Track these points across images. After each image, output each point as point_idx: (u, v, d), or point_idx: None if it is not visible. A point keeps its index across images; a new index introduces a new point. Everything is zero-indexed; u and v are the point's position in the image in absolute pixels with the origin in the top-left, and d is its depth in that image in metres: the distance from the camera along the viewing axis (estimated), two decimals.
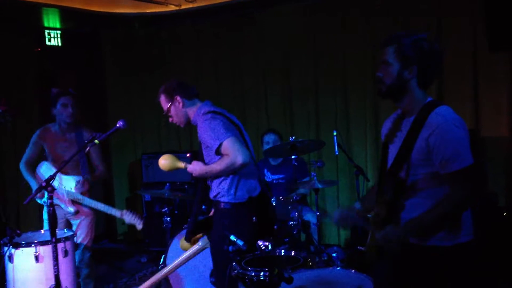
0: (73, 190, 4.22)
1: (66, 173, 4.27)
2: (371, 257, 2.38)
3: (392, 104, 2.42)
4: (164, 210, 4.84)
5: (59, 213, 4.30)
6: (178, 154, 5.84)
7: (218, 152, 3.08)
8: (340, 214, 2.48)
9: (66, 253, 3.69)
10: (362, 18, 5.51)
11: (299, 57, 5.96)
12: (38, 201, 4.35)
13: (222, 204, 3.17)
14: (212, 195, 3.24)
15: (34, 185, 4.30)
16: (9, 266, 3.62)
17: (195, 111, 3.28)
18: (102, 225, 6.95)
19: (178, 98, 3.27)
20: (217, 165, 3.10)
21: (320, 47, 5.81)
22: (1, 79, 5.76)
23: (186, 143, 6.69)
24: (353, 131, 5.68)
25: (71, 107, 4.29)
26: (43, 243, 3.61)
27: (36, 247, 3.58)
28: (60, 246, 3.62)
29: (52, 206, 2.97)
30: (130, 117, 6.48)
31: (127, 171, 7.14)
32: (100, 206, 4.23)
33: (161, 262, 4.38)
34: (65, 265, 3.64)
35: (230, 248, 2.55)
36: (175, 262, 3.56)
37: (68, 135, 4.37)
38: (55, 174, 3.08)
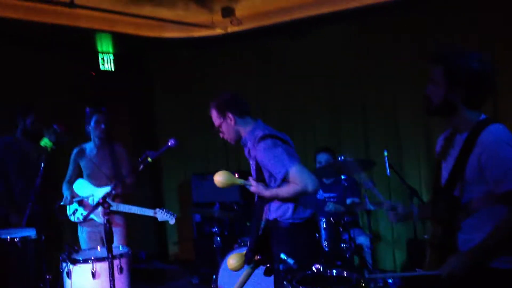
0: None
1: (99, 186, 4.48)
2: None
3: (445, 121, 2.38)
4: (214, 230, 4.89)
5: (94, 230, 4.53)
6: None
7: (284, 180, 3.06)
8: (392, 205, 2.45)
9: (121, 270, 3.79)
10: (413, 36, 5.47)
11: (346, 76, 5.96)
12: (72, 219, 4.54)
13: (283, 223, 3.15)
14: (272, 216, 3.21)
15: (76, 208, 4.54)
16: (67, 282, 3.75)
17: (248, 131, 3.22)
18: (154, 245, 7.10)
19: (230, 115, 3.21)
20: (286, 191, 3.05)
21: (369, 65, 5.81)
22: (58, 101, 6.03)
23: (234, 163, 6.77)
24: (405, 151, 5.59)
25: (103, 123, 4.56)
26: (100, 259, 3.73)
27: (93, 264, 3.70)
28: (116, 263, 3.72)
29: (109, 223, 3.08)
30: (178, 139, 6.63)
31: (177, 192, 7.28)
32: (133, 208, 4.41)
33: (212, 283, 4.42)
34: (120, 281, 3.74)
35: (281, 266, 2.55)
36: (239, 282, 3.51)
37: (102, 151, 4.62)
38: (111, 191, 3.22)
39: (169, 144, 3.35)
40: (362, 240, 4.57)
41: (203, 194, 6.35)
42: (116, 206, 4.41)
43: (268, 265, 3.07)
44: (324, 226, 3.75)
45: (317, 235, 3.14)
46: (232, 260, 3.18)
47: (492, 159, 2.13)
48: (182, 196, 7.19)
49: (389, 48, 5.65)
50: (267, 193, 3.11)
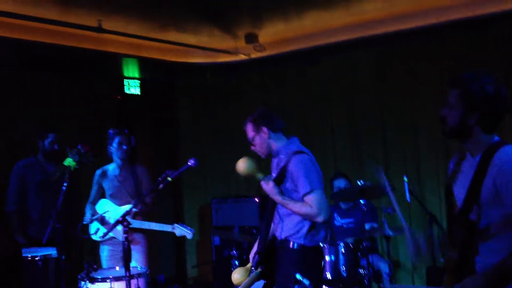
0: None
1: (122, 205, 4.58)
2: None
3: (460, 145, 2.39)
4: (232, 253, 4.90)
5: (116, 249, 4.58)
6: (247, 198, 5.96)
7: (304, 196, 3.17)
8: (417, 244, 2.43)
9: None
10: (433, 65, 5.51)
11: (366, 101, 6.00)
12: (93, 237, 4.61)
13: (295, 244, 3.22)
14: (283, 235, 3.27)
15: (98, 227, 4.63)
16: None
17: (281, 145, 3.38)
18: (173, 268, 7.12)
19: (265, 129, 3.38)
20: (296, 207, 3.19)
21: (389, 91, 5.84)
22: (84, 123, 6.17)
23: (254, 187, 6.79)
24: (425, 176, 5.58)
25: (126, 145, 4.69)
26: (118, 278, 3.76)
27: (111, 282, 3.73)
28: (134, 282, 3.74)
29: (128, 241, 3.12)
30: (200, 162, 6.72)
31: (197, 215, 7.31)
32: (152, 224, 4.48)
33: None
34: None
35: (296, 287, 2.56)
36: None
37: (124, 171, 4.74)
38: (131, 209, 3.28)
39: (189, 163, 3.43)
40: (381, 266, 4.52)
41: (223, 217, 6.38)
42: (135, 223, 4.46)
43: (266, 282, 3.10)
44: (343, 251, 3.70)
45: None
46: (237, 275, 3.26)
47: (506, 179, 2.12)
48: (202, 219, 7.23)
49: (409, 74, 5.69)
50: (279, 197, 3.22)
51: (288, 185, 3.28)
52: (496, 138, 2.30)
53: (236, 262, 4.81)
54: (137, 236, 4.63)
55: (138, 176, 4.79)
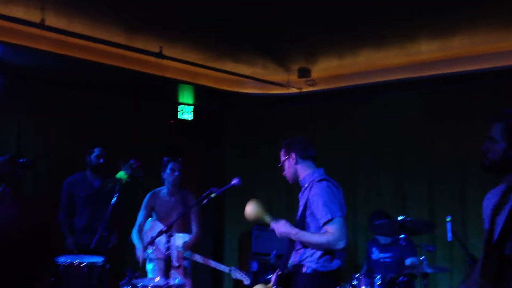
0: (180, 247, 4.58)
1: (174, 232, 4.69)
2: None
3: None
4: (268, 278, 4.95)
5: (160, 264, 4.70)
6: None
7: (323, 225, 3.20)
8: None
9: None
10: (483, 104, 5.51)
11: (414, 141, 6.04)
12: (148, 253, 4.76)
13: (308, 269, 3.25)
14: (297, 258, 3.31)
15: (139, 247, 4.77)
16: None
17: (307, 173, 3.44)
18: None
19: (293, 155, 3.47)
20: (315, 237, 3.21)
21: (436, 132, 5.87)
22: (138, 144, 6.44)
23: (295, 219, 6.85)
24: (471, 218, 5.51)
25: (178, 171, 4.88)
26: (158, 287, 3.90)
27: None
28: None
29: (169, 250, 3.27)
30: (244, 190, 6.87)
31: (238, 242, 7.41)
32: (210, 262, 4.59)
33: None
34: None
35: None
36: None
37: (174, 197, 4.92)
38: (173, 223, 3.42)
39: (233, 182, 3.57)
40: None
41: (262, 245, 6.46)
42: (196, 258, 4.64)
43: None
44: (379, 283, 3.73)
45: None
46: None
47: None
48: (242, 246, 7.31)
49: (459, 115, 5.70)
50: (293, 231, 3.24)
51: (309, 216, 3.32)
52: None
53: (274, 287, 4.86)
54: (186, 270, 4.76)
55: (187, 203, 4.94)
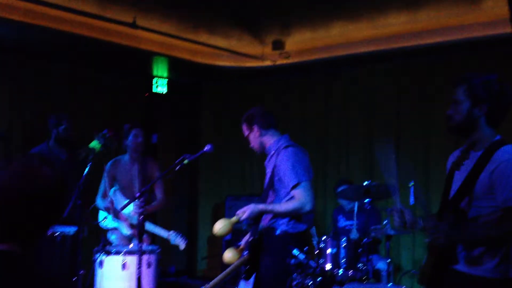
0: (131, 214, 4.62)
1: (128, 198, 4.72)
2: (423, 280, 2.47)
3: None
4: (239, 244, 5.08)
5: (118, 234, 4.74)
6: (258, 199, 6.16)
7: (290, 189, 3.32)
8: (400, 209, 2.54)
9: (149, 265, 4.05)
10: (448, 79, 5.67)
11: (382, 111, 6.23)
12: (100, 224, 4.81)
13: (277, 231, 3.38)
14: (268, 222, 3.42)
15: (105, 215, 4.79)
16: (99, 271, 4.03)
17: (272, 142, 3.54)
18: (183, 261, 7.34)
19: (256, 127, 3.56)
20: (283, 206, 3.32)
21: (403, 103, 6.06)
22: (110, 117, 6.45)
23: None
24: (434, 183, 5.69)
25: (141, 137, 4.82)
26: (131, 252, 4.00)
27: (124, 256, 3.97)
28: (145, 257, 3.97)
29: (143, 215, 3.35)
30: (218, 161, 7.03)
31: (212, 211, 7.54)
32: (150, 226, 4.59)
33: None
34: (147, 275, 3.98)
35: (292, 261, 2.75)
36: (222, 274, 3.55)
37: (136, 165, 4.86)
38: (147, 189, 3.49)
39: (205, 149, 3.63)
40: (381, 265, 4.64)
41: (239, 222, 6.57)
42: (133, 220, 4.59)
43: (249, 267, 3.25)
44: (344, 245, 3.88)
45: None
46: (229, 254, 3.41)
47: (502, 175, 2.26)
48: (215, 216, 7.43)
49: (425, 86, 5.87)
50: (261, 207, 3.34)
51: (277, 182, 3.42)
52: (498, 136, 2.43)
53: (245, 253, 4.98)
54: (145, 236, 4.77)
55: (149, 170, 4.89)
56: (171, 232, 4.56)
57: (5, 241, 1.45)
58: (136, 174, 4.85)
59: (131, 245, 4.38)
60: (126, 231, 4.65)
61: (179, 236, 4.53)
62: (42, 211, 1.49)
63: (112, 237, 4.85)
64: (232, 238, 6.38)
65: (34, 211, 1.47)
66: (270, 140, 3.56)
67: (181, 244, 4.51)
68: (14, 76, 5.86)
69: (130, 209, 4.51)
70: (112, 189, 4.88)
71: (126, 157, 4.93)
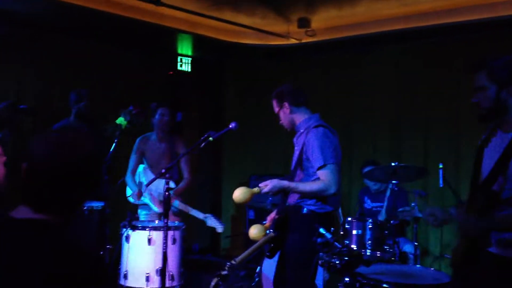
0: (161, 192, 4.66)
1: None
2: (456, 263, 2.44)
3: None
4: (264, 223, 5.09)
5: (150, 210, 4.80)
6: (284, 176, 6.13)
7: (316, 170, 3.29)
8: (431, 210, 2.54)
9: (174, 241, 4.09)
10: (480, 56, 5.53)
11: (411, 91, 6.10)
12: (130, 199, 4.86)
13: (304, 209, 3.36)
14: (294, 200, 3.41)
15: (134, 189, 4.84)
16: (125, 245, 4.09)
17: (302, 119, 3.51)
18: (207, 239, 7.40)
19: (286, 104, 3.52)
20: (308, 186, 3.30)
21: (433, 83, 5.92)
22: (134, 95, 6.46)
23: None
24: (463, 165, 5.61)
25: (167, 116, 4.86)
26: (156, 228, 4.04)
27: (150, 231, 4.02)
28: (170, 233, 4.01)
29: (168, 192, 3.37)
30: (242, 139, 7.03)
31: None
32: (188, 208, 4.65)
33: (255, 275, 4.63)
34: (172, 251, 4.02)
35: (319, 240, 2.74)
36: (247, 250, 3.56)
37: (164, 144, 4.91)
38: (172, 165, 3.51)
39: (230, 126, 3.62)
40: (408, 248, 4.61)
41: (260, 194, 6.57)
42: (174, 203, 4.66)
43: (273, 245, 3.24)
44: (370, 226, 3.84)
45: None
46: (255, 230, 3.38)
47: None
48: None
49: (457, 65, 5.74)
50: (285, 183, 3.31)
51: (305, 161, 3.40)
52: None
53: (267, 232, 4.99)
54: (175, 215, 4.81)
55: (177, 149, 4.95)
56: (208, 214, 4.60)
57: (44, 211, 1.47)
58: (163, 152, 4.90)
59: (157, 221, 4.43)
60: (156, 207, 4.70)
61: (215, 219, 4.56)
62: (80, 183, 1.51)
63: (142, 213, 4.92)
64: (255, 217, 6.41)
65: (73, 183, 1.49)
66: (300, 118, 3.52)
67: (218, 226, 4.53)
68: (41, 53, 5.90)
69: (161, 186, 4.55)
70: (141, 166, 4.94)
71: (154, 135, 4.99)
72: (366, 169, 5.00)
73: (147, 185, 4.00)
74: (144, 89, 6.73)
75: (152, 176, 4.72)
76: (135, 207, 4.94)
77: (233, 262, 2.68)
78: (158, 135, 4.94)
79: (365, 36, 6.13)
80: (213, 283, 2.51)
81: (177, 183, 4.90)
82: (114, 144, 4.39)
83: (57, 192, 1.47)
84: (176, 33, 6.40)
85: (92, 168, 1.53)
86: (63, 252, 1.41)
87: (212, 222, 4.54)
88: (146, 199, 4.83)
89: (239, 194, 3.34)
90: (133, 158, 4.99)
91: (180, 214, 4.78)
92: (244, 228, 6.59)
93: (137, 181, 4.93)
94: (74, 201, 1.53)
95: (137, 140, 5.02)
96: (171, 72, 7.30)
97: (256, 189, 3.35)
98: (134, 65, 6.75)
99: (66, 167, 1.47)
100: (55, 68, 6.03)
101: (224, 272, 2.55)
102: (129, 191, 4.96)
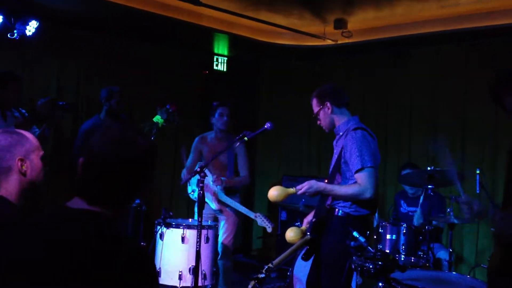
0: (217, 190, 4.71)
1: (213, 174, 4.80)
2: (492, 272, 2.39)
3: None
4: (297, 225, 5.08)
5: (208, 208, 4.87)
6: (318, 179, 6.11)
7: (354, 173, 3.24)
8: (468, 199, 2.46)
9: (207, 240, 4.12)
10: None
11: (448, 94, 5.98)
12: (191, 196, 4.92)
13: (340, 211, 3.33)
14: (331, 202, 3.38)
15: (193, 189, 4.88)
16: (159, 243, 4.15)
17: (342, 121, 3.45)
18: (239, 240, 7.43)
19: (328, 104, 3.44)
20: (343, 189, 3.26)
21: (470, 86, 5.81)
22: (173, 93, 6.55)
23: (326, 169, 6.93)
24: (500, 172, 5.49)
25: (226, 116, 4.85)
26: (190, 226, 4.09)
27: (183, 229, 4.07)
28: (204, 232, 4.05)
29: (202, 190, 3.41)
30: (276, 140, 7.04)
31: (267, 191, 7.55)
32: (238, 205, 4.69)
33: (287, 277, 4.62)
34: (205, 250, 4.06)
35: (352, 243, 2.72)
36: (285, 253, 3.62)
37: (221, 143, 4.90)
38: (207, 163, 3.54)
39: (266, 126, 3.63)
40: (442, 255, 4.53)
41: (292, 195, 6.55)
42: (226, 200, 4.73)
43: (308, 248, 3.22)
44: (404, 231, 3.80)
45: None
46: (291, 233, 3.37)
47: None
48: None
49: (494, 69, 5.59)
50: (321, 185, 3.28)
51: (344, 164, 3.35)
52: None
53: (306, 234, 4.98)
54: (228, 209, 4.86)
55: (234, 149, 4.92)
56: (258, 214, 4.61)
57: (97, 204, 1.53)
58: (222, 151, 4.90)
59: (191, 220, 4.48)
60: (214, 205, 4.74)
61: (266, 219, 4.57)
62: (135, 178, 1.56)
63: (196, 210, 4.89)
64: (287, 218, 6.41)
65: (127, 178, 1.55)
66: (340, 119, 3.46)
67: (268, 226, 4.55)
68: (79, 51, 6.01)
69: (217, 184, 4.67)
70: (198, 164, 4.97)
71: (212, 134, 5.01)
72: (404, 172, 4.94)
73: (183, 182, 4.05)
74: (180, 88, 6.80)
75: (209, 174, 4.79)
76: (193, 203, 4.96)
77: (270, 265, 2.68)
78: (217, 134, 4.96)
79: (403, 38, 6.04)
80: (250, 286, 2.52)
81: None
82: None
83: (112, 186, 1.53)
84: (213, 33, 6.44)
85: (146, 166, 1.58)
86: (114, 243, 1.47)
87: (262, 221, 4.57)
88: (207, 199, 4.82)
89: (275, 193, 3.34)
90: (190, 157, 5.03)
91: (229, 214, 4.80)
92: (277, 229, 6.58)
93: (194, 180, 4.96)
94: (127, 196, 1.59)
95: (196, 139, 5.06)
96: (206, 72, 7.35)
97: (292, 190, 3.34)
98: (171, 64, 6.83)
99: (122, 163, 1.53)
100: (94, 65, 6.14)
101: (262, 275, 2.56)
102: (189, 189, 5.00)
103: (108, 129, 1.58)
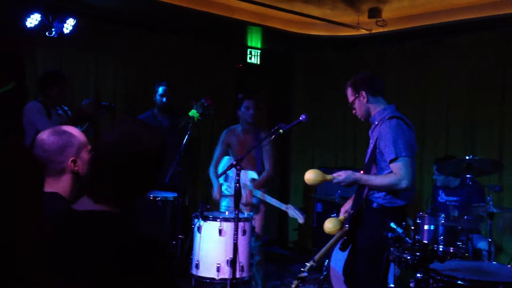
0: (248, 184, 4.74)
1: (244, 168, 4.80)
2: None
3: None
4: (333, 216, 5.07)
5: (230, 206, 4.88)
6: (354, 169, 6.07)
7: (391, 162, 3.19)
8: None
9: (244, 232, 4.17)
10: None
11: (486, 83, 5.85)
12: (225, 193, 4.95)
13: (374, 203, 3.29)
14: (366, 194, 3.32)
15: (215, 185, 4.89)
16: (197, 236, 4.22)
17: (378, 110, 3.37)
18: (275, 231, 7.46)
19: (363, 93, 3.35)
20: (379, 179, 3.20)
21: (507, 75, 5.66)
22: (207, 87, 6.61)
23: (362, 160, 6.89)
24: None
25: (253, 109, 4.84)
26: (227, 219, 4.14)
27: (220, 222, 4.12)
28: (240, 224, 4.09)
29: (238, 183, 3.44)
30: (310, 132, 7.02)
31: (303, 183, 7.54)
32: (269, 198, 4.69)
33: (324, 269, 4.64)
34: (242, 242, 4.10)
35: (390, 234, 2.70)
36: (326, 245, 3.52)
37: (249, 135, 4.91)
38: (243, 157, 3.57)
39: (301, 118, 3.62)
40: (481, 245, 4.45)
41: (328, 187, 6.55)
42: (256, 193, 4.74)
43: (345, 239, 3.20)
44: (443, 221, 3.76)
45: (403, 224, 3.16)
46: (330, 224, 3.34)
47: None
48: (307, 187, 7.45)
49: None
50: (357, 175, 3.22)
51: (379, 154, 3.29)
52: None
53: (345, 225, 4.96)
54: (261, 206, 4.89)
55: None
56: (289, 205, 4.62)
57: (103, 201, 1.51)
58: (249, 144, 4.91)
59: (227, 213, 4.52)
60: (243, 199, 4.77)
61: (297, 210, 4.57)
62: (141, 175, 1.54)
63: (223, 204, 4.93)
64: (323, 210, 6.40)
65: (134, 175, 1.52)
66: (376, 108, 3.38)
67: (300, 217, 4.55)
68: (116, 47, 6.11)
69: (248, 178, 4.68)
70: (226, 158, 5.01)
71: (239, 127, 5.01)
72: (444, 162, 4.89)
73: (218, 176, 4.09)
74: (214, 82, 6.86)
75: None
76: (203, 198, 5.04)
77: (312, 263, 2.70)
78: (244, 127, 4.95)
79: (438, 26, 5.92)
80: (293, 286, 2.55)
81: (259, 175, 4.92)
82: (187, 136, 4.52)
83: (117, 183, 1.51)
84: (246, 26, 6.46)
85: (154, 163, 1.55)
86: (121, 242, 1.42)
87: (293, 212, 4.56)
88: (227, 191, 4.88)
89: (312, 175, 3.31)
90: (218, 150, 5.02)
91: (257, 209, 4.82)
92: (312, 221, 6.59)
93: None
94: (133, 193, 1.56)
95: (223, 132, 5.05)
96: (240, 65, 7.38)
97: (329, 176, 3.30)
98: (205, 58, 6.88)
99: (129, 159, 1.51)
100: (130, 62, 6.24)
101: (305, 274, 2.58)
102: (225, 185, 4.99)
103: (117, 126, 1.56)
